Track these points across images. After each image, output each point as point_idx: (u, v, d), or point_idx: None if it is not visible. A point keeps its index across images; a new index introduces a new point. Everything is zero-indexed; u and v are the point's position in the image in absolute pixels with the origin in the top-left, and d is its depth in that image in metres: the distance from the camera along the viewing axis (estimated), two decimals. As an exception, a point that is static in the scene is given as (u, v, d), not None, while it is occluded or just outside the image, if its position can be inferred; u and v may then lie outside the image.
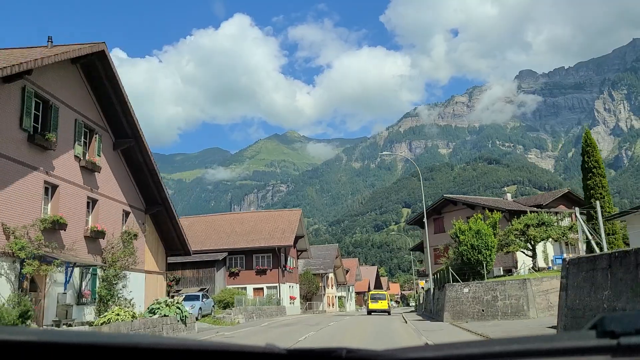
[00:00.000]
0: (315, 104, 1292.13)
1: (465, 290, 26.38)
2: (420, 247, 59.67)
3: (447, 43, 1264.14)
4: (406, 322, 29.89)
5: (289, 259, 52.75)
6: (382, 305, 42.91)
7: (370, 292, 49.54)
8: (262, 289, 48.09)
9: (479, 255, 27.45)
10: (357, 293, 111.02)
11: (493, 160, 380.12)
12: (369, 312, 42.68)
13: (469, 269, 28.13)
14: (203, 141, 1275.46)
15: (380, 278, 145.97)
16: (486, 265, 27.73)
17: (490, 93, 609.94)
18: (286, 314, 46.79)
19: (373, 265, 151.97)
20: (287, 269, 51.94)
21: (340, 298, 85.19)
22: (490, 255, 27.83)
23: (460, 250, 28.80)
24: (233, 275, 48.43)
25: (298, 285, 57.51)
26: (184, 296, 36.48)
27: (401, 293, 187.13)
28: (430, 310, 36.14)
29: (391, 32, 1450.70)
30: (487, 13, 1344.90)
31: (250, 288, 48.15)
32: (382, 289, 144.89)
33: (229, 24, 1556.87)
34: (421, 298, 52.73)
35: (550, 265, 44.15)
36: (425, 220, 38.64)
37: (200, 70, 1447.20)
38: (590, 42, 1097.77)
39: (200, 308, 33.72)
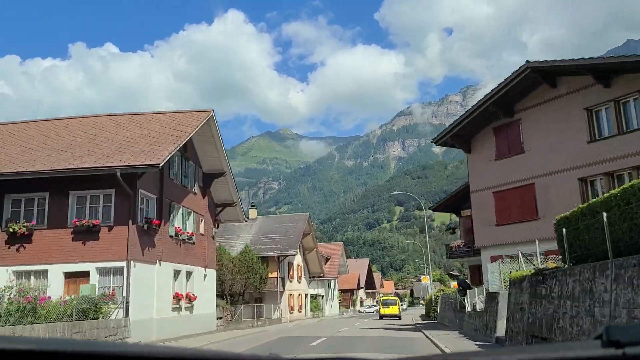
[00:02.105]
0: (309, 101, 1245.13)
1: None
2: (454, 204, 30.27)
3: (441, 42, 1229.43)
4: None
5: (175, 211, 23.22)
6: (393, 310, 41.92)
7: (382, 298, 50.19)
8: (86, 273, 18.56)
9: None
10: (343, 291, 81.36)
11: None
12: (381, 317, 41.71)
13: None
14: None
15: (373, 274, 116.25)
16: None
17: (484, 92, 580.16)
18: (129, 340, 17.29)
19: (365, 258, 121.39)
20: (177, 234, 22.55)
21: (314, 297, 55.66)
22: None
23: None
24: (15, 240, 18.86)
25: (214, 272, 27.97)
26: None
27: (395, 292, 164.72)
28: None
29: (385, 30, 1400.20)
30: (482, 13, 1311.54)
31: (56, 271, 18.63)
32: (374, 286, 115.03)
33: (223, 20, 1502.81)
34: (466, 303, 22.88)
35: None
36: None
37: (193, 66, 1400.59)
38: (585, 43, 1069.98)
39: None
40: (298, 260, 47.07)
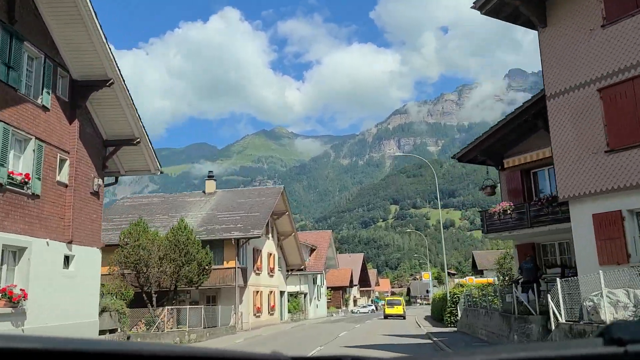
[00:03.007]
0: (305, 100, 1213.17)
1: None
2: (489, 150, 18.79)
3: (437, 41, 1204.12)
4: None
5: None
6: (397, 310, 42.10)
7: (387, 299, 50.11)
8: None
9: None
10: (333, 289, 69.73)
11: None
12: (386, 316, 42.11)
13: None
14: (190, 136, 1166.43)
15: (368, 271, 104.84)
16: None
17: (480, 91, 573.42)
18: None
19: (360, 253, 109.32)
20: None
21: (294, 296, 44.09)
22: None
23: None
24: None
25: (99, 253, 16.50)
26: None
27: (391, 290, 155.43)
28: None
29: (381, 29, 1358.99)
30: (477, 11, 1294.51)
31: None
32: (369, 283, 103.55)
33: (218, 17, 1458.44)
34: (556, 308, 11.24)
35: None
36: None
37: (188, 64, 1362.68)
38: None
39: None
40: (270, 247, 35.44)
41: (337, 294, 71.63)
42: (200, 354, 0.75)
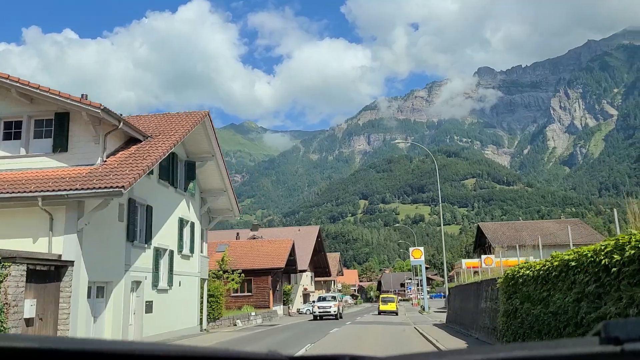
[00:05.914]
0: (274, 94, 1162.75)
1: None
2: None
3: (407, 37, 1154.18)
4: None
5: None
6: (391, 307, 43.48)
7: (382, 296, 48.88)
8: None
9: None
10: (253, 272, 36.30)
11: (452, 154, 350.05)
12: (380, 312, 43.70)
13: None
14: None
15: (327, 255, 71.75)
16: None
17: (449, 87, 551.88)
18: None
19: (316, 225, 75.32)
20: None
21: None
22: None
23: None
24: None
25: None
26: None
27: (359, 285, 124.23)
28: None
29: (352, 24, 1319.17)
30: (447, 8, 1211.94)
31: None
32: (329, 272, 70.25)
33: (187, 8, 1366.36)
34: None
35: None
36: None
37: (155, 54, 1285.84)
38: (547, 41, 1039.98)
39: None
40: None
41: (262, 282, 38.21)
42: (195, 352, 0.73)
